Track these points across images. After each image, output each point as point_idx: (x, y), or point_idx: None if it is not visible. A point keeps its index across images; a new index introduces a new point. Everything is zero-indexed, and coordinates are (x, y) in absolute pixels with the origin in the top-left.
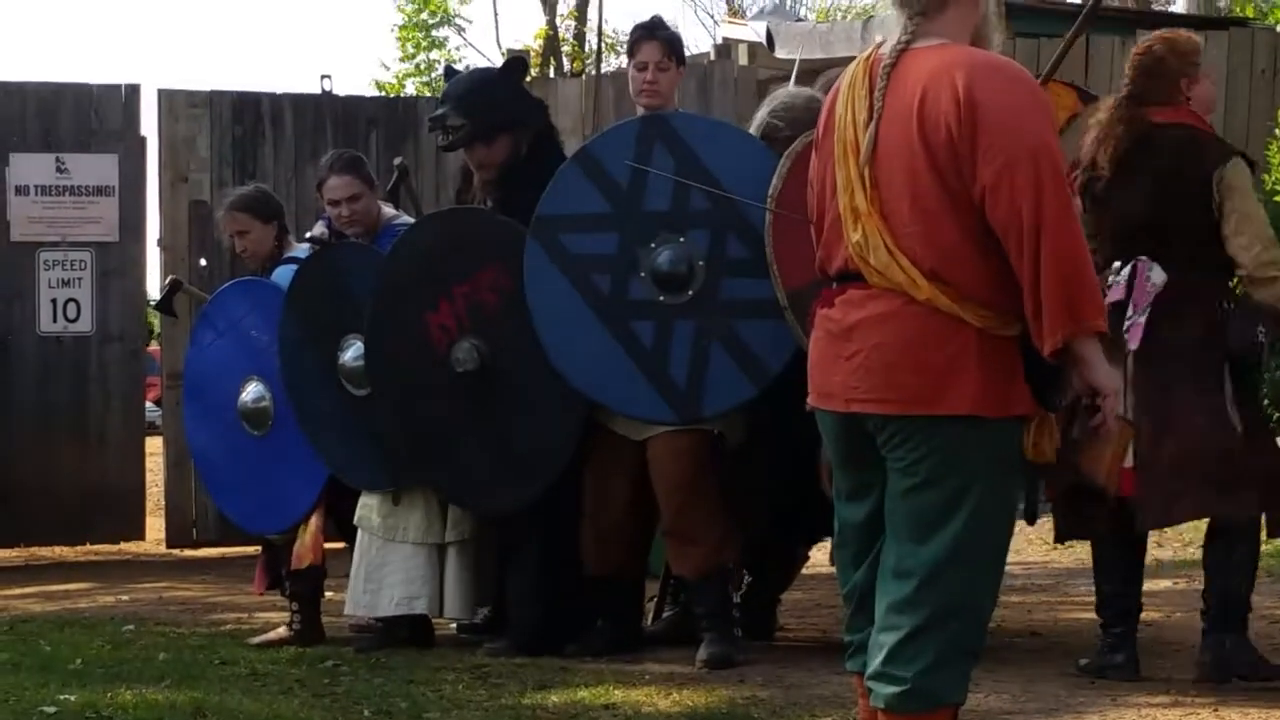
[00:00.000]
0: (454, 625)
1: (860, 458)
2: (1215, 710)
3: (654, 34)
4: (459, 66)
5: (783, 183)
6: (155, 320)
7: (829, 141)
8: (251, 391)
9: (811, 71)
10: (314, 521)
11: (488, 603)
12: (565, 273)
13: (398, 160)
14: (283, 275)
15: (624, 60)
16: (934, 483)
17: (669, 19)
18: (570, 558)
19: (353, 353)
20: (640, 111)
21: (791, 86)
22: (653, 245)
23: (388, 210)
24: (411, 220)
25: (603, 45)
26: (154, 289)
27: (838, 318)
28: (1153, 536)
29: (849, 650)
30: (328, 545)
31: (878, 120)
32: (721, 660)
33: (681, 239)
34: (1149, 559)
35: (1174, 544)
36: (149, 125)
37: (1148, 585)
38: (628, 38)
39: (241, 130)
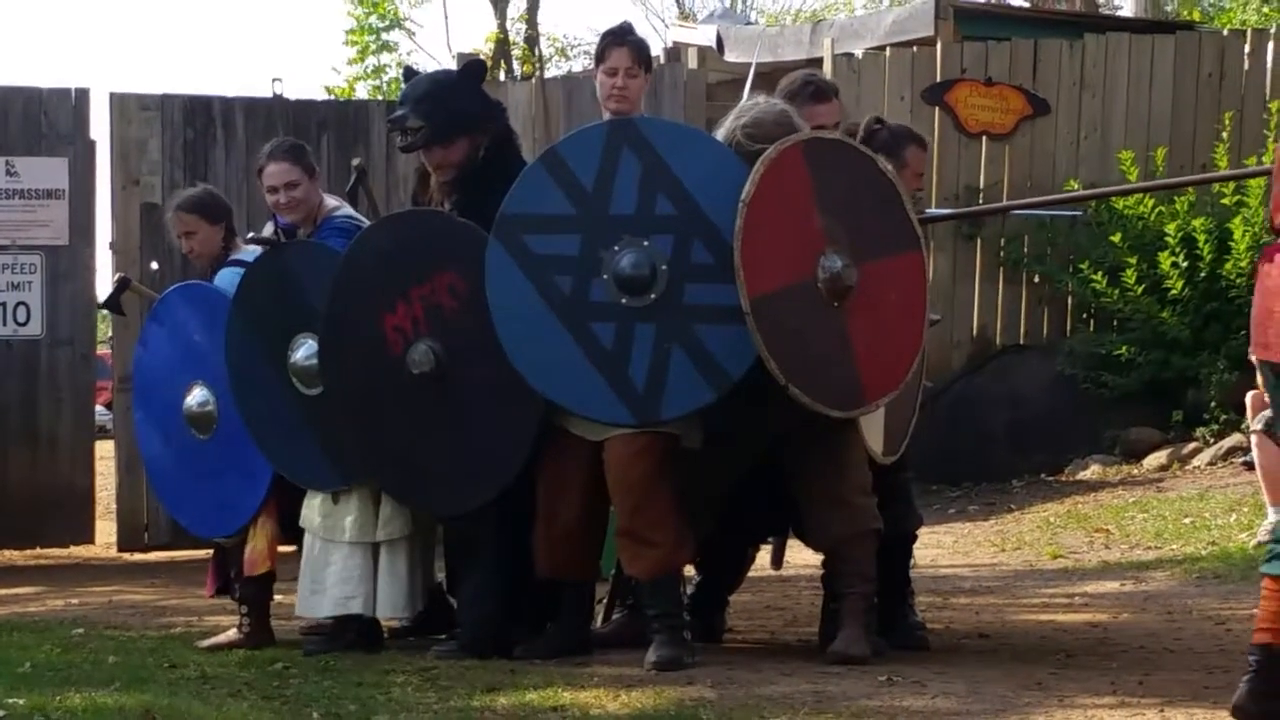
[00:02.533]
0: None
1: None
2: (1161, 711)
3: (624, 40)
4: (418, 69)
5: (755, 188)
6: (105, 324)
7: None
8: (196, 396)
9: (763, 75)
10: (267, 526)
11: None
12: (527, 273)
13: (356, 161)
14: (226, 278)
15: (573, 65)
16: None
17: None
18: (521, 559)
19: (304, 351)
20: (607, 117)
21: (760, 97)
22: (616, 248)
23: (330, 201)
24: (353, 212)
25: (548, 49)
26: (105, 292)
27: (1276, 274)
28: (1099, 538)
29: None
30: (280, 549)
31: None
32: (671, 663)
33: (645, 243)
34: (1095, 560)
35: (1121, 545)
36: (99, 128)
37: (1093, 586)
38: (597, 43)
39: (193, 133)
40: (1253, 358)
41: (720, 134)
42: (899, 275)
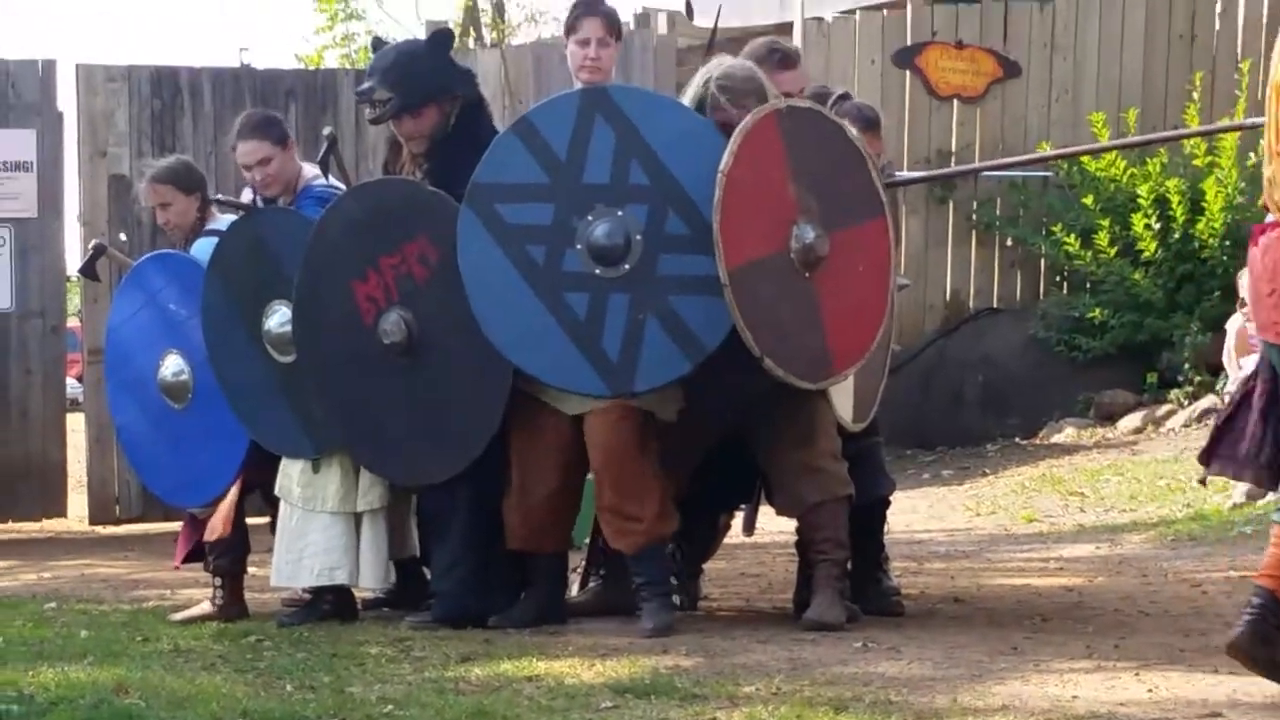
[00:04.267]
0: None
1: None
2: (1137, 675)
3: (596, 9)
4: (386, 39)
5: (734, 159)
6: (76, 294)
7: None
8: (171, 365)
9: (731, 40)
10: (230, 493)
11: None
12: (500, 242)
13: (327, 130)
14: (202, 248)
15: (542, 31)
16: None
17: None
18: (494, 529)
19: (278, 319)
20: (578, 87)
21: (725, 57)
22: (590, 218)
23: (308, 170)
24: (331, 182)
25: (517, 15)
26: (74, 265)
27: (1258, 256)
28: (1074, 501)
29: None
30: (255, 520)
31: None
32: (667, 628)
33: (619, 212)
34: (1070, 524)
35: (1096, 509)
36: (66, 100)
37: (1068, 550)
38: (568, 13)
39: (160, 104)
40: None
41: (689, 94)
42: (866, 243)
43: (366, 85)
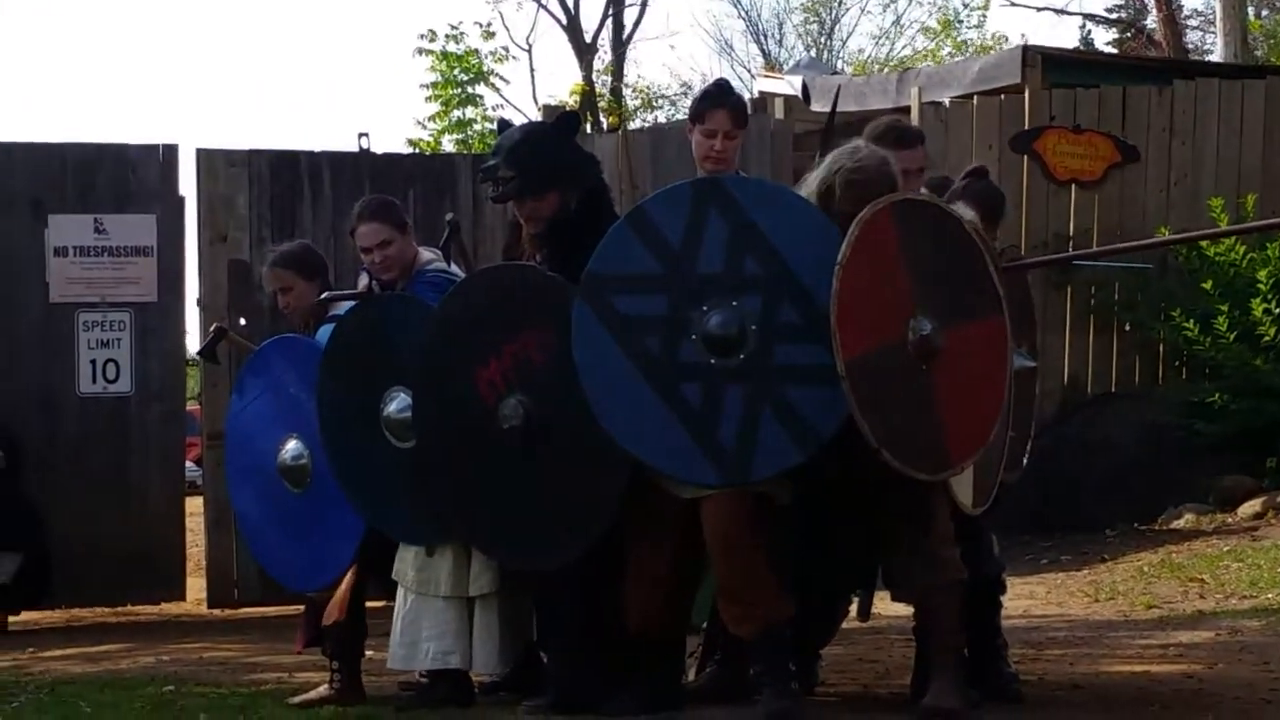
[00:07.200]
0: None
1: None
2: None
3: (725, 101)
4: (511, 121)
5: (850, 250)
6: (194, 380)
7: None
8: (290, 449)
9: (848, 125)
10: (347, 577)
11: (515, 658)
12: (614, 333)
13: (449, 216)
14: (326, 334)
15: (659, 115)
16: None
17: (705, 75)
18: (610, 614)
19: (397, 404)
20: (701, 175)
21: (858, 142)
22: (704, 308)
23: (425, 254)
24: (445, 265)
25: (633, 99)
26: (194, 348)
27: None
28: (1194, 587)
29: None
30: (374, 604)
31: None
32: (786, 714)
33: (734, 302)
34: (1190, 610)
35: (1216, 595)
36: (187, 185)
37: (1187, 636)
38: (696, 101)
39: (280, 189)
40: None
41: (815, 176)
42: (983, 339)
43: (491, 163)
